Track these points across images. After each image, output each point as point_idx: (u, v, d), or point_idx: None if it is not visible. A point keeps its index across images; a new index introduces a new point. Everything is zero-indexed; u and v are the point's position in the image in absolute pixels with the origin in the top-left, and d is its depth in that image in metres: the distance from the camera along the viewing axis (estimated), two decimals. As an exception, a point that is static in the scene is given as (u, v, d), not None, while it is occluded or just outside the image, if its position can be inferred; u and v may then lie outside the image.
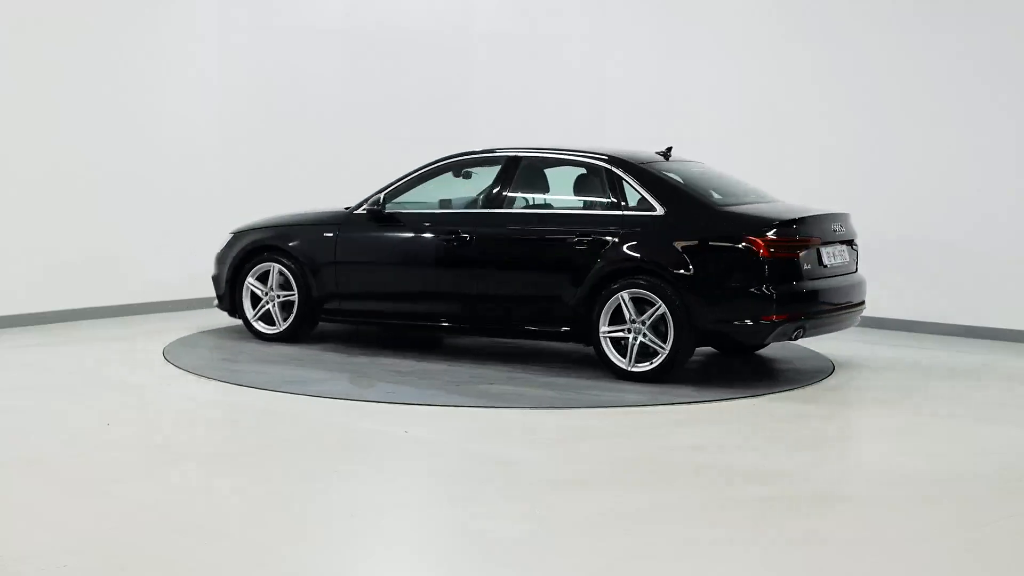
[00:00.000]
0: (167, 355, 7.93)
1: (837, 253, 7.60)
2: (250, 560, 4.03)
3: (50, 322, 9.29)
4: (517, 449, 5.72)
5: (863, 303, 7.94)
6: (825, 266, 7.43)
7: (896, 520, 4.64)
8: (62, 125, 9.45)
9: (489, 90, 11.71)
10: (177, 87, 10.37)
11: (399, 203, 8.30)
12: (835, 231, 7.63)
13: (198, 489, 4.89)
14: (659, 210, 7.36)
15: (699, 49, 11.05)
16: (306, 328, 8.52)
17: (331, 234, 8.38)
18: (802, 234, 7.27)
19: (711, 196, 7.60)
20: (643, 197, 7.45)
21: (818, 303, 7.37)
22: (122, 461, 5.30)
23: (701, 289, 7.13)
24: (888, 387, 7.52)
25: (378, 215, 8.22)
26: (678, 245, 7.20)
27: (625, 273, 7.28)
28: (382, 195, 8.27)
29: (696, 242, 7.23)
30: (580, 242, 7.45)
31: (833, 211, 7.82)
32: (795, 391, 7.24)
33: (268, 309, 8.56)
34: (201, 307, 10.53)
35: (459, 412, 6.41)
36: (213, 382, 7.07)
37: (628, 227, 7.38)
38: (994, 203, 9.51)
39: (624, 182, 7.56)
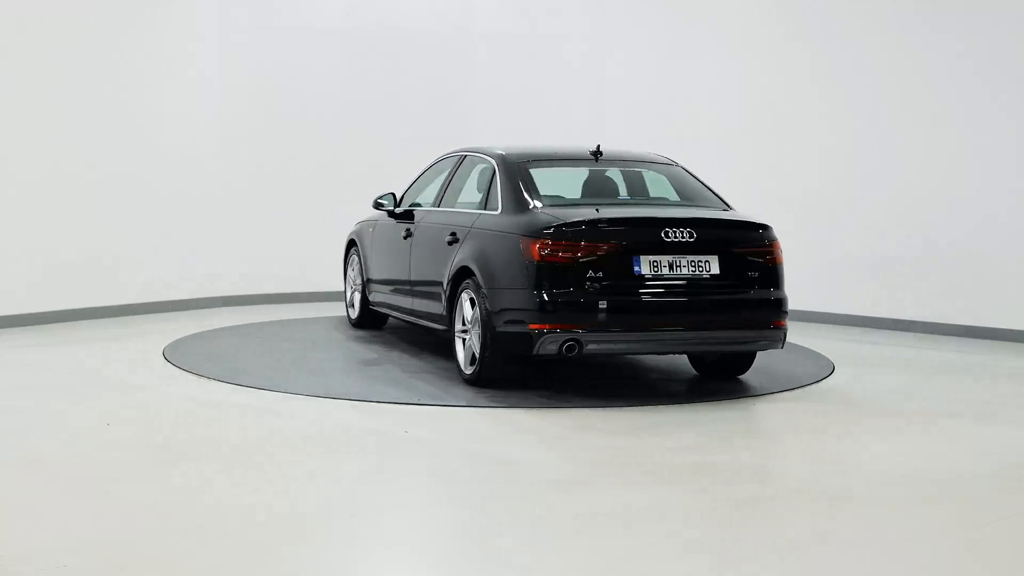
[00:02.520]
0: (167, 355, 7.93)
1: (675, 264, 6.60)
2: (250, 560, 4.03)
3: (50, 322, 9.29)
4: (517, 449, 5.72)
5: (744, 327, 6.83)
6: (643, 277, 6.55)
7: (896, 520, 4.64)
8: (62, 125, 9.45)
9: (489, 90, 11.71)
10: (177, 87, 10.38)
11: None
12: (668, 238, 6.58)
13: (198, 489, 4.89)
14: (499, 210, 7.12)
15: (699, 49, 11.06)
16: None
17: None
18: (589, 238, 6.51)
19: (556, 198, 7.15)
20: (500, 196, 7.21)
21: (609, 317, 6.48)
22: (122, 461, 5.30)
23: (492, 292, 6.79)
24: (888, 387, 7.52)
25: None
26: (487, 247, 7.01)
27: (465, 273, 7.15)
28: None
29: (495, 244, 6.94)
30: (448, 241, 7.47)
31: (674, 215, 6.92)
32: (795, 391, 7.24)
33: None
34: (201, 307, 10.54)
35: (459, 412, 6.40)
36: (213, 382, 7.07)
37: (476, 226, 7.25)
38: (994, 203, 9.52)
39: (496, 180, 7.33)
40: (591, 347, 6.53)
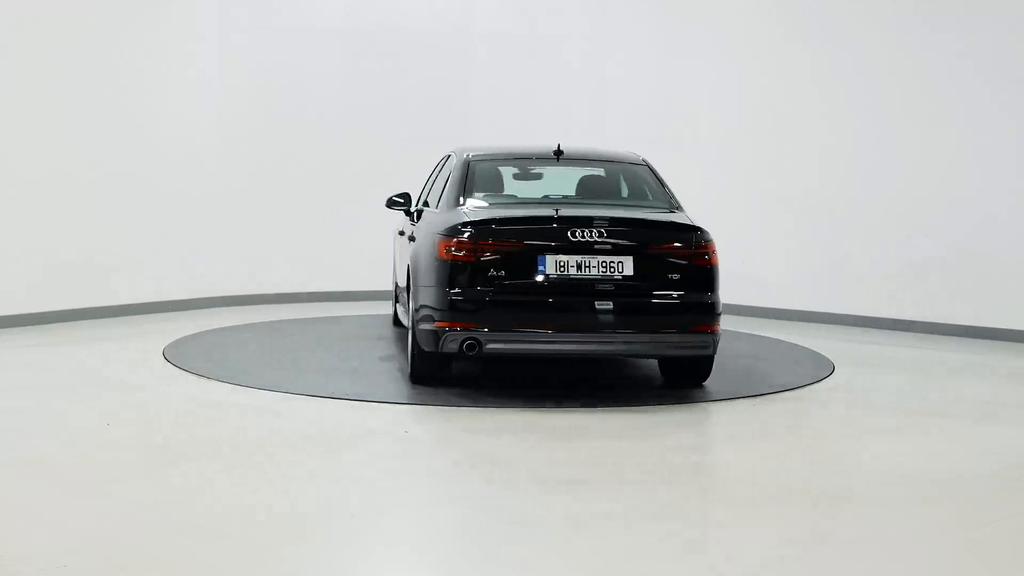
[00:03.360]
0: (167, 355, 7.93)
1: (582, 264, 6.46)
2: (250, 560, 4.03)
3: (50, 322, 9.29)
4: (517, 449, 5.72)
5: (658, 330, 6.59)
6: (548, 276, 6.45)
7: (896, 520, 4.64)
8: (62, 125, 9.45)
9: (489, 90, 11.71)
10: (177, 87, 10.38)
11: None
12: (575, 238, 6.46)
13: (198, 489, 4.89)
14: (439, 209, 7.22)
15: (699, 49, 11.06)
16: None
17: None
18: (494, 237, 6.48)
19: (506, 197, 7.17)
20: (442, 195, 7.31)
21: (510, 317, 6.46)
22: (122, 461, 5.30)
23: (415, 291, 6.89)
24: (888, 387, 7.52)
25: None
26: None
27: (408, 272, 7.27)
28: None
29: (424, 243, 6.98)
30: (408, 240, 7.57)
31: (586, 214, 6.73)
32: (795, 391, 7.24)
33: None
34: (201, 307, 10.54)
35: (459, 412, 6.40)
36: (213, 382, 7.07)
37: (420, 225, 7.40)
38: (994, 203, 9.52)
39: (452, 178, 7.41)
40: (491, 346, 6.45)
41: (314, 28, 11.31)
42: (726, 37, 10.93)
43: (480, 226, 6.56)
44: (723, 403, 6.85)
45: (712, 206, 9.98)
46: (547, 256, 6.45)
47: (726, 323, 10.13)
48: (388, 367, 7.70)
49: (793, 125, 10.58)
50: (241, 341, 8.72)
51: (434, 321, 6.54)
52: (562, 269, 6.45)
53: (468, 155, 7.51)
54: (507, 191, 7.51)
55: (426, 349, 6.70)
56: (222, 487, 4.94)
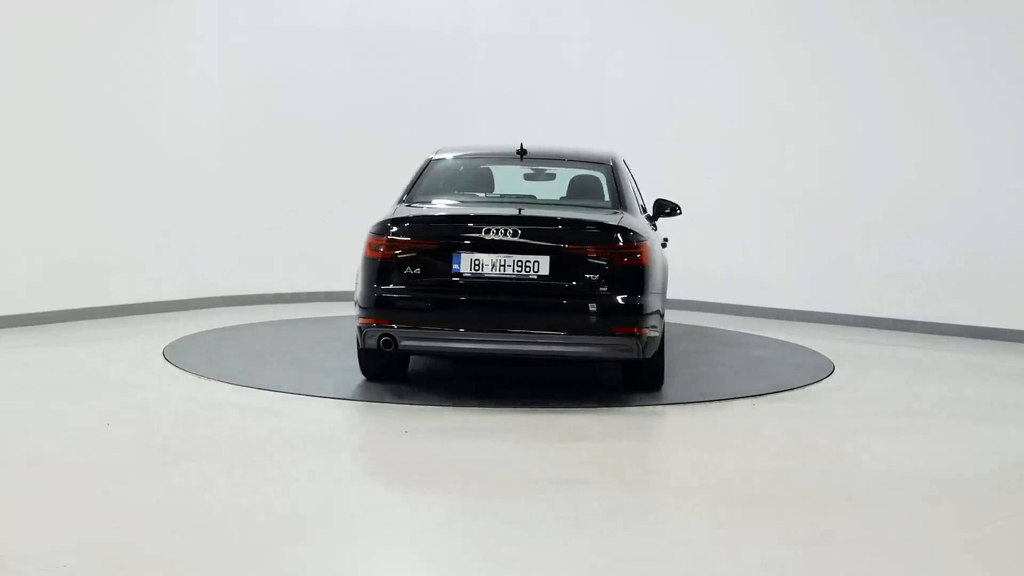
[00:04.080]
0: (167, 355, 7.93)
1: (498, 263, 6.43)
2: (250, 560, 4.03)
3: (50, 322, 9.29)
4: (516, 449, 5.72)
5: (574, 331, 6.39)
6: (461, 275, 6.45)
7: (896, 520, 4.64)
8: (62, 125, 9.45)
9: (489, 90, 11.71)
10: (177, 87, 10.38)
11: None
12: (489, 236, 6.44)
13: (198, 489, 4.89)
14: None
15: (699, 49, 11.06)
16: None
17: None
18: (411, 235, 6.55)
19: (437, 195, 7.19)
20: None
21: (422, 314, 6.50)
22: (122, 461, 5.30)
23: (356, 289, 6.87)
24: (888, 387, 7.52)
25: None
26: None
27: None
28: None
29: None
30: None
31: (503, 212, 6.70)
32: (795, 391, 7.24)
33: None
34: (201, 307, 10.54)
35: (459, 412, 6.40)
36: (213, 382, 7.07)
37: None
38: (994, 203, 9.53)
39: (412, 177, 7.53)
40: (405, 343, 6.51)
41: (314, 28, 11.31)
42: (726, 37, 10.93)
43: (398, 224, 6.63)
44: (723, 403, 6.85)
45: (712, 206, 10.00)
46: (462, 254, 6.45)
47: (726, 323, 10.19)
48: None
49: (793, 125, 10.58)
50: (241, 341, 8.72)
51: (359, 318, 6.63)
52: (476, 268, 6.44)
53: (432, 154, 7.63)
54: (475, 190, 7.50)
55: (362, 347, 6.76)
56: (222, 487, 4.94)
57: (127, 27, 9.92)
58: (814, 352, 8.66)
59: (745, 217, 10.79)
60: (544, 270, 6.39)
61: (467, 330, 6.46)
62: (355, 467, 5.31)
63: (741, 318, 10.59)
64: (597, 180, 7.42)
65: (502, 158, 7.67)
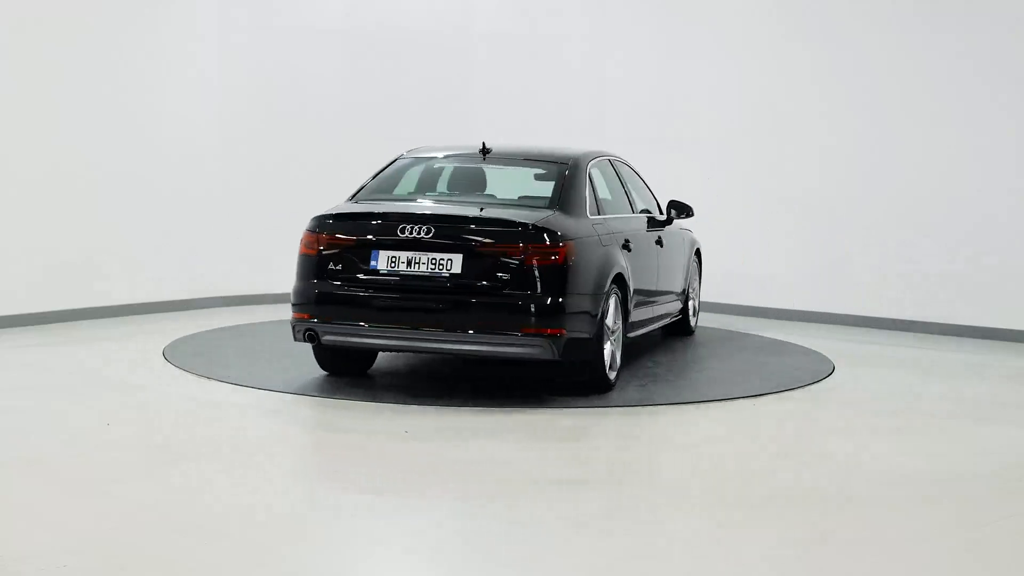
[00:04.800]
0: (167, 355, 7.93)
1: (413, 260, 6.48)
2: (250, 560, 4.03)
3: (50, 322, 9.29)
4: (517, 449, 5.72)
5: (484, 330, 6.36)
6: (378, 271, 6.53)
7: (896, 520, 4.64)
8: (62, 125, 9.44)
9: (489, 90, 11.71)
10: (177, 87, 10.38)
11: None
12: (407, 234, 6.48)
13: (198, 489, 4.89)
14: None
15: (699, 49, 11.06)
16: None
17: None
18: (333, 232, 6.65)
19: (381, 193, 7.30)
20: None
21: (340, 310, 6.61)
22: (122, 461, 5.30)
23: None
24: (888, 387, 7.52)
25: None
26: None
27: None
28: None
29: None
30: None
31: (421, 211, 6.76)
32: (795, 391, 7.24)
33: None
34: (201, 307, 10.54)
35: (459, 412, 6.40)
36: (213, 382, 7.06)
37: None
38: (994, 203, 9.53)
39: None
40: (327, 338, 6.66)
41: (314, 28, 11.30)
42: (726, 37, 10.93)
43: (324, 221, 6.74)
44: (723, 403, 6.85)
45: (712, 206, 10.00)
46: (380, 252, 6.54)
47: (725, 322, 10.19)
48: (390, 367, 7.70)
49: (793, 125, 10.58)
50: (241, 341, 8.71)
51: (292, 312, 6.80)
52: (393, 265, 6.51)
53: (402, 153, 7.81)
54: (425, 189, 7.54)
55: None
56: (222, 487, 4.94)
57: (127, 27, 9.92)
58: (814, 352, 8.67)
59: (745, 217, 10.79)
60: (456, 268, 6.41)
61: (383, 326, 6.54)
62: (355, 467, 5.32)
63: (741, 318, 10.59)
64: (547, 180, 7.35)
65: (465, 157, 7.65)
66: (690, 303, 9.28)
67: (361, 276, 6.57)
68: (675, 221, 8.62)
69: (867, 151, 10.18)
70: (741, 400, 6.94)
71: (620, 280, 7.03)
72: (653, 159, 10.24)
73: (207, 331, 9.13)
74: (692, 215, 8.62)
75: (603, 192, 7.76)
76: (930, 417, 6.67)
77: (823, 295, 10.50)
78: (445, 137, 10.23)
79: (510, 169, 7.65)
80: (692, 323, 9.39)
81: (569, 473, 5.27)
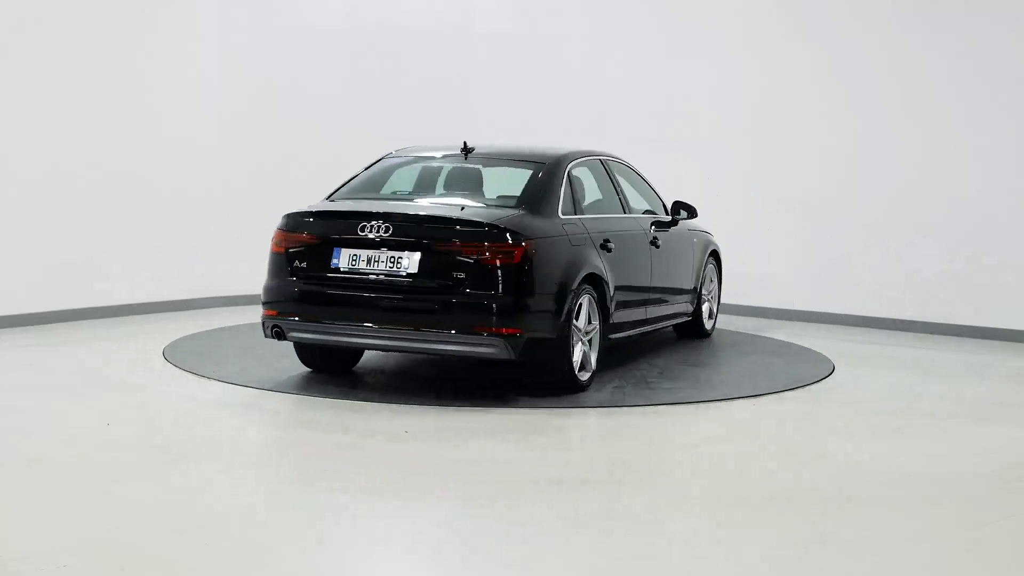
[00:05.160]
0: (167, 355, 7.93)
1: (371, 259, 6.53)
2: (250, 560, 4.03)
3: (50, 322, 9.29)
4: (517, 449, 5.72)
5: (439, 328, 6.37)
6: (339, 269, 6.60)
7: (896, 520, 4.64)
8: (62, 125, 9.45)
9: (489, 90, 11.71)
10: (177, 87, 10.38)
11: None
12: (365, 232, 6.53)
13: (198, 489, 4.89)
14: None
15: (699, 49, 11.06)
16: None
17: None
18: (299, 230, 6.78)
19: (357, 192, 7.39)
20: None
21: (304, 307, 6.71)
22: (122, 461, 5.30)
23: None
24: (888, 387, 7.52)
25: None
26: None
27: None
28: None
29: None
30: None
31: (368, 209, 6.80)
32: (795, 391, 7.24)
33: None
34: (201, 307, 10.54)
35: (459, 412, 6.40)
36: (213, 382, 7.06)
37: None
38: (994, 203, 9.52)
39: None
40: (292, 335, 6.80)
41: (314, 28, 11.30)
42: (726, 37, 10.92)
43: (290, 219, 6.88)
44: (723, 403, 6.85)
45: (712, 206, 10.00)
46: (341, 250, 6.61)
47: (726, 322, 10.19)
48: (389, 367, 7.70)
49: (793, 125, 10.58)
50: (241, 341, 8.71)
51: (262, 309, 6.94)
52: (354, 263, 6.57)
53: (391, 151, 7.90)
54: (401, 187, 7.56)
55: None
56: (222, 487, 4.94)
57: (127, 27, 9.92)
58: (814, 352, 8.66)
59: (745, 217, 10.78)
60: (413, 267, 6.44)
61: (343, 324, 6.61)
62: (355, 467, 5.31)
63: (741, 318, 10.59)
64: (521, 180, 7.28)
65: (448, 157, 7.65)
66: (705, 305, 9.20)
67: (324, 274, 6.66)
68: (685, 222, 8.68)
69: (867, 151, 10.17)
70: (741, 400, 6.94)
71: (595, 280, 6.97)
72: (653, 159, 10.24)
73: (207, 331, 9.13)
74: (696, 215, 8.65)
75: (590, 193, 7.78)
76: (930, 417, 6.66)
77: (823, 295, 10.50)
78: (445, 137, 10.23)
79: (490, 169, 7.60)
80: (708, 325, 9.31)
81: (569, 473, 5.27)
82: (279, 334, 6.80)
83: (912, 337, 9.70)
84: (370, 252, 6.53)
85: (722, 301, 10.92)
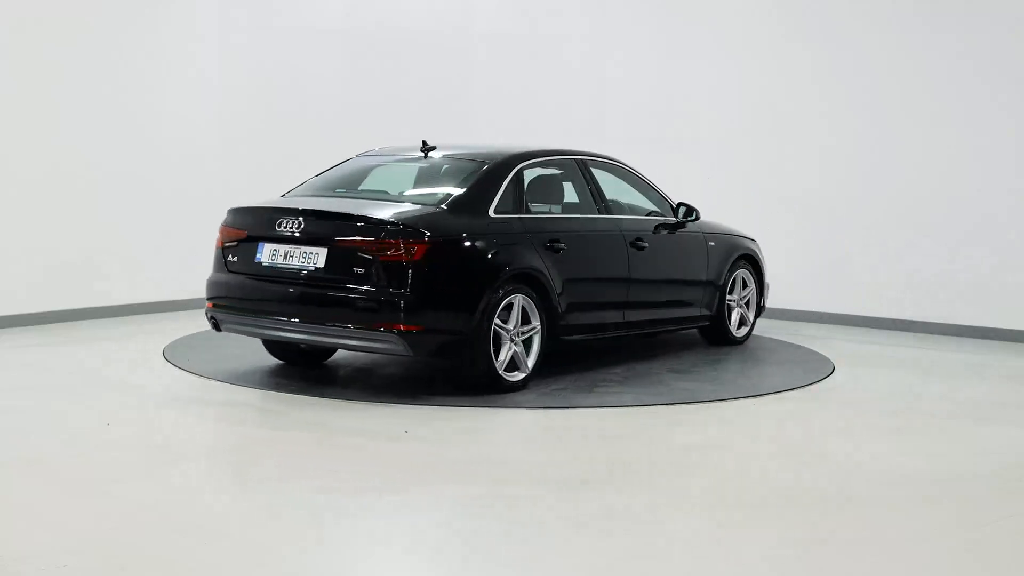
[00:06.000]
0: (167, 355, 7.93)
1: (287, 254, 6.72)
2: (250, 560, 4.03)
3: (50, 322, 9.29)
4: (517, 449, 5.72)
5: (341, 323, 6.51)
6: (259, 264, 6.85)
7: (896, 520, 4.64)
8: (62, 125, 9.45)
9: (489, 90, 11.71)
10: (177, 87, 10.38)
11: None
12: (282, 228, 6.72)
13: (198, 489, 4.89)
14: None
15: (699, 49, 11.06)
16: None
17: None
18: (232, 225, 7.13)
19: (312, 189, 7.57)
20: None
21: (231, 300, 7.02)
22: (122, 461, 5.30)
23: None
24: (888, 387, 7.52)
25: None
26: None
27: None
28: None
29: None
30: None
31: (287, 206, 6.97)
32: (795, 391, 7.24)
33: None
34: (201, 307, 10.53)
35: (459, 412, 6.40)
36: (213, 382, 7.07)
37: None
38: (994, 203, 9.52)
39: None
40: (226, 326, 7.13)
41: (314, 28, 11.31)
42: (726, 37, 10.92)
43: (229, 215, 7.19)
44: (723, 403, 6.85)
45: (712, 206, 9.99)
46: (264, 245, 6.86)
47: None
48: (389, 368, 7.70)
49: (793, 125, 10.58)
50: (241, 341, 8.70)
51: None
52: (274, 258, 6.81)
53: (373, 150, 8.12)
54: (352, 186, 7.63)
55: None
56: (222, 487, 4.94)
57: (127, 27, 9.93)
58: (814, 352, 8.66)
59: (745, 217, 10.77)
60: (321, 263, 6.60)
61: (263, 317, 6.86)
62: (355, 467, 5.31)
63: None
64: (462, 178, 7.25)
65: (408, 157, 7.76)
66: (735, 313, 8.85)
67: (250, 268, 6.93)
68: (707, 223, 8.66)
69: (867, 151, 10.17)
70: (741, 400, 6.94)
71: (532, 280, 6.94)
72: (653, 159, 10.24)
73: (207, 331, 9.11)
74: (698, 218, 8.52)
75: (555, 194, 7.79)
76: (930, 417, 6.66)
77: (823, 295, 10.50)
78: (445, 137, 10.24)
79: (440, 168, 7.56)
80: (738, 333, 8.90)
81: (569, 473, 5.27)
82: (216, 325, 7.14)
83: (912, 337, 9.70)
84: (287, 247, 6.75)
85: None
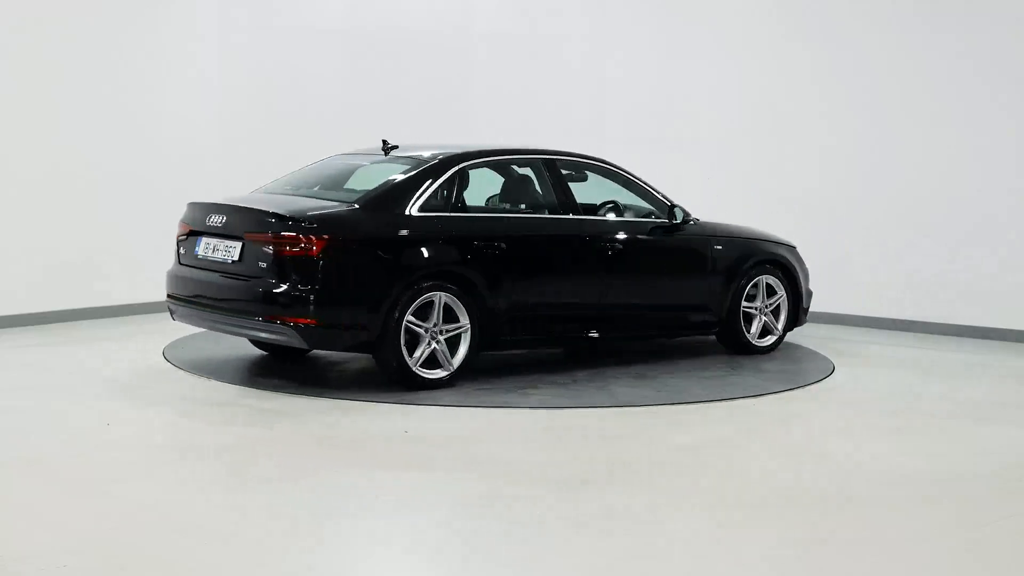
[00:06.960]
0: (167, 355, 7.93)
1: (215, 247, 7.06)
2: (250, 560, 4.03)
3: (50, 322, 9.29)
4: (516, 449, 5.72)
5: (243, 314, 6.82)
6: (197, 256, 7.24)
7: (896, 520, 4.64)
8: (62, 125, 9.45)
9: (489, 90, 11.71)
10: (177, 87, 10.37)
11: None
12: (211, 223, 7.10)
13: (198, 489, 4.89)
14: None
15: (699, 49, 11.06)
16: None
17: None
18: (185, 220, 7.49)
19: (280, 187, 7.73)
20: None
21: (177, 291, 7.44)
22: (122, 461, 5.30)
23: None
24: (888, 387, 7.52)
25: None
26: None
27: None
28: None
29: None
30: None
31: (217, 201, 7.30)
32: (795, 391, 7.24)
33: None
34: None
35: (459, 412, 6.41)
36: (213, 382, 7.07)
37: None
38: (994, 203, 9.52)
39: None
40: (177, 317, 7.49)
41: (314, 28, 11.30)
42: (726, 37, 10.92)
43: (185, 210, 7.53)
44: (723, 403, 6.85)
45: (712, 206, 9.99)
46: (201, 239, 7.22)
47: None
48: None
49: (793, 125, 10.58)
50: (241, 341, 8.70)
51: None
52: (207, 251, 7.16)
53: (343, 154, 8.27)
54: (316, 185, 7.68)
55: None
56: (222, 487, 4.94)
57: (127, 27, 9.92)
58: (814, 352, 8.66)
59: (745, 217, 10.75)
60: (236, 256, 6.92)
61: (196, 307, 7.25)
62: (355, 467, 5.32)
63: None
64: (387, 177, 7.28)
65: (371, 158, 7.88)
66: (755, 322, 8.39)
67: (192, 261, 7.30)
68: (726, 226, 8.55)
69: (867, 151, 10.17)
70: (741, 400, 6.94)
71: (458, 279, 6.94)
72: (653, 159, 10.24)
73: (207, 331, 9.12)
74: (687, 221, 8.25)
75: (512, 194, 7.79)
76: (930, 417, 6.66)
77: (823, 295, 10.49)
78: (444, 137, 10.24)
79: (388, 166, 7.55)
80: (760, 342, 8.44)
81: (569, 473, 5.27)
82: (172, 315, 7.52)
83: (912, 337, 9.70)
84: (215, 241, 7.09)
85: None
